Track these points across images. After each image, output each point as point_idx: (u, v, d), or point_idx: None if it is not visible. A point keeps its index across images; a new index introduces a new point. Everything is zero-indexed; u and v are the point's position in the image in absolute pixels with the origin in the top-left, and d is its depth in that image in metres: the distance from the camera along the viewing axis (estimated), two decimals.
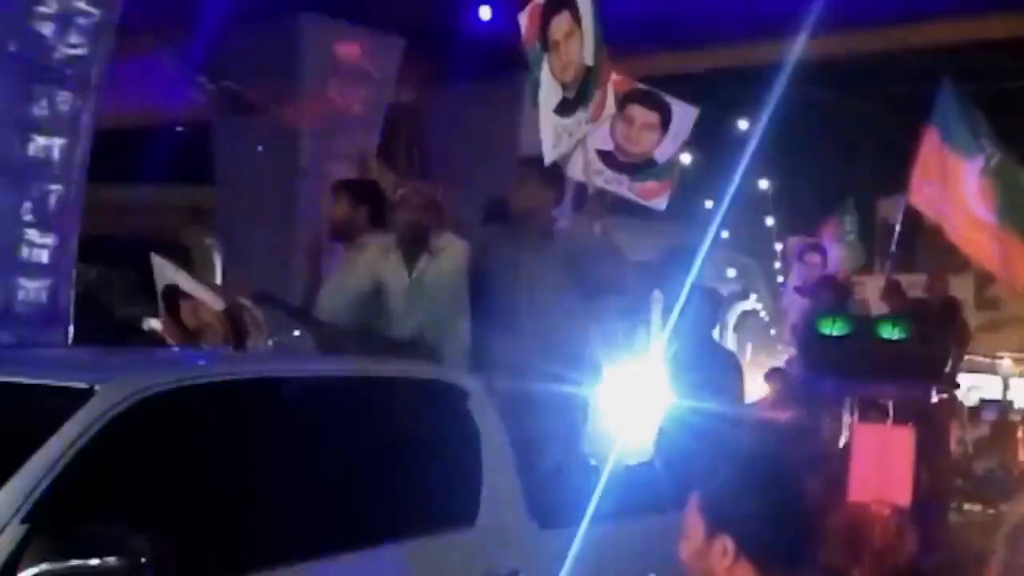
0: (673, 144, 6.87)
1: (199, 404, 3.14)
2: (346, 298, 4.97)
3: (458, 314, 4.96)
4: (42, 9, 8.21)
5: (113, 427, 2.82)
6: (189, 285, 5.72)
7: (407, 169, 16.68)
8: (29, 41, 8.22)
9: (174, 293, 5.85)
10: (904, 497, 6.49)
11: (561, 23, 4.96)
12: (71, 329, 8.64)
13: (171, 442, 3.03)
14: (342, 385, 3.65)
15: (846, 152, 22.21)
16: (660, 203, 7.05)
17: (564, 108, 5.01)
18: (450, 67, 11.74)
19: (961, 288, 13.28)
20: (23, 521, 2.59)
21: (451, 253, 4.97)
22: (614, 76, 6.85)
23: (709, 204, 13.29)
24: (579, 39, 4.87)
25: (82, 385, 2.93)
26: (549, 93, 5.05)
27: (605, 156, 6.81)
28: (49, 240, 8.75)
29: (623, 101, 6.74)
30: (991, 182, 7.98)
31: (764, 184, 24.64)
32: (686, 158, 7.01)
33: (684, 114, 6.92)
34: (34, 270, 8.70)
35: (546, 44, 5.03)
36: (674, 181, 7.06)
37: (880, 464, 6.57)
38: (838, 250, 12.68)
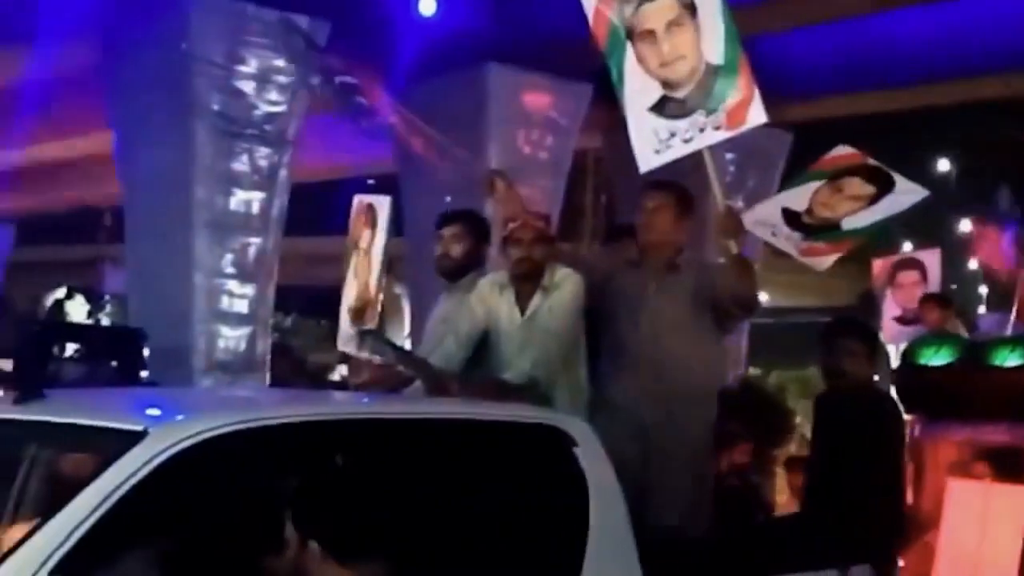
0: (870, 215, 6.33)
1: (259, 448, 2.88)
2: (456, 338, 4.66)
3: (574, 354, 4.58)
4: (243, 68, 8.55)
5: (163, 471, 2.63)
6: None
7: (594, 215, 16.63)
8: (231, 98, 8.55)
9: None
10: None
11: (660, 9, 4.34)
12: (267, 376, 8.88)
13: (227, 488, 2.80)
14: (429, 429, 3.33)
15: None
16: (821, 264, 6.52)
17: (667, 108, 4.40)
18: None
19: None
20: (52, 572, 2.40)
21: (566, 290, 4.55)
22: (849, 151, 6.46)
23: (909, 247, 12.55)
24: (694, 33, 4.27)
25: (135, 427, 2.76)
26: (641, 88, 4.45)
27: (789, 215, 6.40)
28: (248, 290, 9.03)
29: (843, 173, 6.34)
30: None
31: (967, 226, 23.59)
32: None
33: (906, 193, 6.36)
34: (234, 319, 8.99)
35: (630, 32, 4.42)
36: (849, 247, 6.52)
37: (979, 533, 5.36)
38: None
